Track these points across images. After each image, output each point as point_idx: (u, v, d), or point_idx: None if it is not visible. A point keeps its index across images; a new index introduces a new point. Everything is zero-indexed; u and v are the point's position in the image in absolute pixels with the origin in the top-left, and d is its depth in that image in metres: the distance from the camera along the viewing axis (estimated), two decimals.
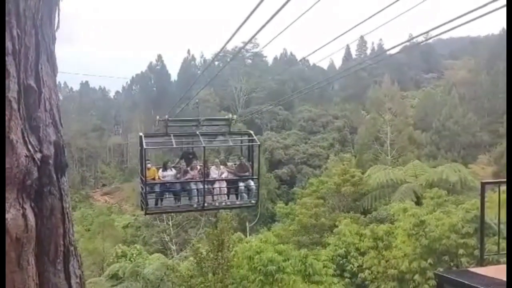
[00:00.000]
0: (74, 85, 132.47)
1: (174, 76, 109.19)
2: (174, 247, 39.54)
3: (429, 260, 22.85)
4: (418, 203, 31.82)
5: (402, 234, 24.59)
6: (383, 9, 5.88)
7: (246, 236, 34.57)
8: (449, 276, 5.71)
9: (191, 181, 13.07)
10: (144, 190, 12.56)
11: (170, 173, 13.34)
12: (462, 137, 66.83)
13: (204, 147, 12.71)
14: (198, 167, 13.27)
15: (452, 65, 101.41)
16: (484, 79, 74.95)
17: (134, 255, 30.68)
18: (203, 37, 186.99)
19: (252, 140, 13.79)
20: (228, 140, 13.49)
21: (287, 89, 76.41)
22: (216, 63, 72.49)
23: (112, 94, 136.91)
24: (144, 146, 12.30)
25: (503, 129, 63.85)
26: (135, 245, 36.05)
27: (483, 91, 73.72)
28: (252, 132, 14.18)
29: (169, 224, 40.50)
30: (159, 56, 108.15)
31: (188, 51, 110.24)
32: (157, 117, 13.16)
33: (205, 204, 12.77)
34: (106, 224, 46.78)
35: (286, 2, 4.83)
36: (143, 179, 12.66)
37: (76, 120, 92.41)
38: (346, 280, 25.65)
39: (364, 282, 25.38)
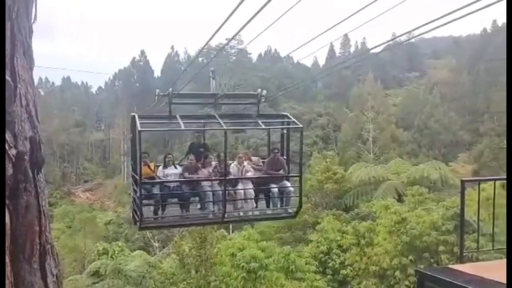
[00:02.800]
0: (55, 80, 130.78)
1: (157, 72, 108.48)
2: (156, 244, 39.33)
3: (410, 257, 23.11)
4: (400, 200, 32.18)
5: (383, 231, 24.82)
6: (365, 7, 5.89)
7: (229, 233, 34.55)
8: (429, 273, 5.76)
9: (205, 180, 9.90)
10: (138, 194, 9.10)
11: (174, 171, 10.04)
12: (443, 136, 67.74)
13: (225, 130, 9.53)
14: (213, 163, 10.25)
15: (434, 64, 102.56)
16: (465, 79, 76.02)
17: (116, 252, 30.42)
18: (187, 36, 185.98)
19: (289, 123, 10.50)
20: (258, 123, 9.98)
21: (272, 86, 76.46)
22: (200, 59, 72.23)
23: (94, 90, 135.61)
24: (139, 128, 8.82)
25: (483, 128, 64.96)
26: (117, 242, 35.78)
27: (464, 90, 74.81)
28: (289, 114, 10.92)
29: None
30: (142, 52, 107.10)
31: (172, 47, 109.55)
32: (157, 91, 10.04)
33: (225, 215, 9.55)
34: (88, 221, 46.32)
35: (269, 1, 4.80)
36: (137, 177, 9.28)
37: (57, 115, 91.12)
38: (328, 276, 25.81)
39: (346, 279, 25.57)
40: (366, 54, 60.96)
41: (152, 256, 32.78)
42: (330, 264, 26.27)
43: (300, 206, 10.25)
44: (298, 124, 10.34)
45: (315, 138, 76.34)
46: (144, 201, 9.21)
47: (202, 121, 10.94)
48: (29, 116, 2.30)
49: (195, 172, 10.05)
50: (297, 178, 10.58)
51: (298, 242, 31.77)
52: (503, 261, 6.48)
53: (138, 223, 9.45)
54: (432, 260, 22.82)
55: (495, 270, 5.36)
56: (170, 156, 10.55)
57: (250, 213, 10.41)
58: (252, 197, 10.18)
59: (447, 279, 5.19)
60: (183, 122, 9.44)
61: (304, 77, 67.84)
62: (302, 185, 10.59)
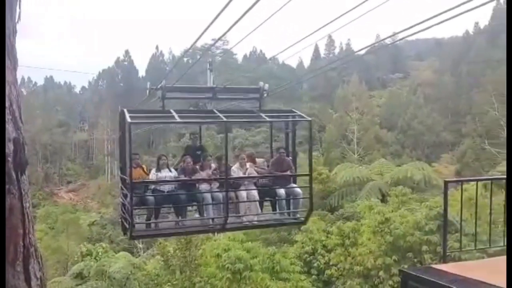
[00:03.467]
0: (38, 80, 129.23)
1: (142, 72, 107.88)
2: (141, 245, 39.04)
3: (394, 257, 23.29)
4: (384, 200, 32.43)
5: (367, 231, 24.98)
6: (350, 10, 5.94)
7: (214, 234, 34.54)
8: (413, 273, 5.82)
9: (203, 182, 9.10)
10: (128, 198, 8.15)
11: (169, 175, 9.13)
12: (426, 137, 68.53)
13: (225, 122, 8.67)
14: (213, 166, 9.34)
15: (418, 66, 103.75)
16: (448, 80, 77.00)
17: (100, 253, 30.11)
18: (171, 37, 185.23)
19: (294, 117, 9.59)
20: (262, 116, 9.13)
21: None
22: (185, 59, 72.04)
23: (78, 90, 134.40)
24: (129, 120, 7.95)
25: (465, 129, 65.86)
26: (101, 243, 35.43)
27: (446, 91, 75.77)
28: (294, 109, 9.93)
29: None
30: (127, 52, 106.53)
31: (157, 47, 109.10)
32: (148, 84, 9.46)
33: (227, 221, 8.62)
34: (71, 222, 45.80)
35: (257, 1, 4.81)
36: (127, 180, 8.42)
37: (40, 115, 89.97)
38: (313, 277, 25.89)
39: (330, 279, 25.69)
40: (351, 56, 61.46)
41: (136, 257, 32.54)
42: (315, 264, 26.37)
43: (311, 210, 9.52)
44: (305, 118, 9.44)
45: (301, 138, 76.38)
46: (135, 207, 8.29)
47: (199, 115, 9.82)
48: (12, 117, 2.27)
49: (193, 175, 9.17)
50: (305, 178, 10.08)
51: (283, 242, 31.80)
52: (486, 261, 6.60)
53: (128, 232, 8.46)
54: (415, 260, 23.04)
55: (478, 269, 5.45)
56: (165, 157, 9.46)
57: (255, 220, 9.44)
58: (256, 200, 9.23)
59: (431, 279, 5.25)
60: (179, 115, 8.46)
61: (290, 78, 68.03)
62: (312, 186, 9.66)
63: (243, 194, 9.05)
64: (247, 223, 9.30)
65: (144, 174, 9.05)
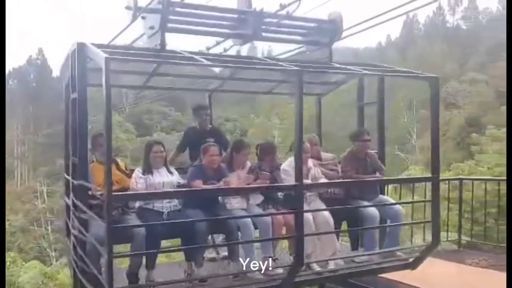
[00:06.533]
0: None
1: (56, 72, 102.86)
2: (53, 254, 37.18)
3: None
4: None
5: None
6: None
7: None
8: None
9: (236, 192, 4.96)
10: (101, 231, 3.63)
11: (169, 179, 4.89)
12: (345, 141, 71.40)
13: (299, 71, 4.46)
14: (248, 163, 5.39)
15: None
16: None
17: (8, 263, 28.37)
18: (90, 35, 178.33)
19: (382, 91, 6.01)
20: (349, 69, 5.41)
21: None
22: None
23: None
24: (102, 55, 3.78)
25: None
26: (9, 252, 33.36)
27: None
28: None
29: (48, 230, 37.99)
30: (40, 50, 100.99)
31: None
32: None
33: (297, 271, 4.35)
34: None
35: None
36: (91, 190, 4.32)
37: None
38: None
39: None
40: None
41: (48, 266, 31.01)
42: None
43: (436, 244, 4.86)
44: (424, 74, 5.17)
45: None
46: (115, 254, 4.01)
47: (230, 64, 5.37)
48: None
49: (216, 178, 4.99)
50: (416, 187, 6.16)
51: None
52: None
53: None
54: None
55: None
56: (161, 148, 5.01)
57: (332, 266, 4.97)
58: (332, 228, 5.11)
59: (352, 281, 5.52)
60: (201, 57, 4.50)
61: (212, 81, 67.96)
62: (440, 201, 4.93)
63: (308, 216, 4.83)
64: (321, 272, 4.88)
65: (125, 177, 5.00)
